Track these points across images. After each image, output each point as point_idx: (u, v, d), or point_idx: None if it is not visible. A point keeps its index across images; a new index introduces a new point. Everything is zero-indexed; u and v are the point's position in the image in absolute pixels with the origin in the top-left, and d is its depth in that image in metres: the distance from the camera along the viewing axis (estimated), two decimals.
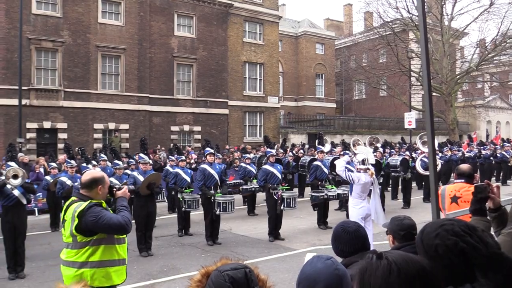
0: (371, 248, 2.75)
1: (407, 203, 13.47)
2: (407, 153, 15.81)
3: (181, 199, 10.00)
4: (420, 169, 13.35)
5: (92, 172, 3.90)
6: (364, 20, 33.74)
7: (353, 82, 39.19)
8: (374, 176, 7.89)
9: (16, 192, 7.32)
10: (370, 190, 7.88)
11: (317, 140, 15.12)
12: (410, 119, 23.88)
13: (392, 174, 14.13)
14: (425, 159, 12.88)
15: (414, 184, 15.48)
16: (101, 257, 3.40)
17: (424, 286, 1.27)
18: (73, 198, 3.58)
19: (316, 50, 39.05)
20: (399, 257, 1.29)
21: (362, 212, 7.45)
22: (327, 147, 14.69)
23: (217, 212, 9.08)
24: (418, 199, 14.29)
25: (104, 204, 3.52)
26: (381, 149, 14.45)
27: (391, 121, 34.14)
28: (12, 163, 7.95)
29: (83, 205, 3.37)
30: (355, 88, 41.07)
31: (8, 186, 7.31)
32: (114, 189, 3.71)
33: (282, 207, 9.47)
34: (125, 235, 3.60)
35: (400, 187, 14.77)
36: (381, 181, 12.66)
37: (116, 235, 3.50)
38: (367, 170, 7.67)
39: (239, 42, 27.47)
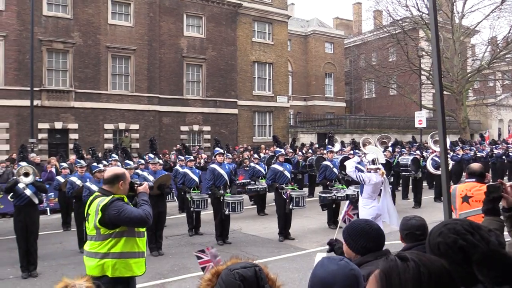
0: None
1: (418, 202, 13.37)
2: (418, 152, 15.68)
3: (189, 199, 10.03)
4: (431, 169, 13.25)
5: (114, 168, 4.16)
6: (374, 18, 33.53)
7: (362, 81, 39.01)
8: (385, 176, 7.85)
9: (28, 192, 7.39)
10: (380, 190, 7.83)
11: (327, 140, 15.08)
12: (420, 118, 23.73)
13: (403, 173, 14.03)
14: (436, 158, 12.78)
15: (425, 184, 15.37)
16: (122, 248, 3.57)
17: (452, 285, 1.26)
18: (96, 193, 3.78)
19: (326, 49, 38.92)
20: (423, 257, 1.27)
21: (372, 212, 7.43)
22: (337, 147, 14.62)
23: (226, 212, 9.10)
24: (429, 198, 14.17)
25: (126, 199, 3.70)
26: (390, 149, 14.36)
27: (401, 120, 33.90)
28: (23, 163, 8.04)
29: (106, 199, 3.55)
30: (365, 87, 40.88)
31: (20, 185, 7.38)
32: (136, 185, 3.90)
33: (291, 206, 9.46)
34: (144, 229, 3.78)
35: (410, 186, 14.67)
36: (391, 180, 12.60)
37: (137, 229, 3.68)
38: (378, 170, 7.63)
39: (248, 42, 27.48)
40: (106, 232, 3.54)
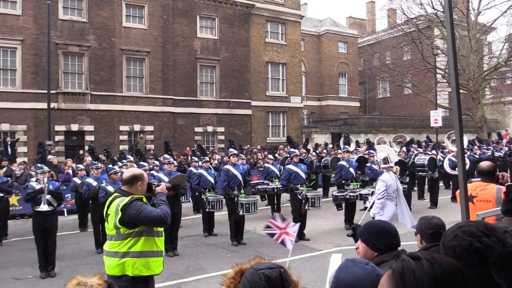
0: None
1: (434, 203, 13.21)
2: (434, 152, 15.49)
3: (204, 199, 10.07)
4: (448, 169, 13.07)
5: (133, 169, 4.26)
6: (388, 17, 33.20)
7: (377, 80, 38.69)
8: (397, 174, 7.83)
9: (47, 196, 7.53)
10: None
11: (341, 140, 14.98)
12: (436, 117, 23.43)
13: (419, 173, 13.86)
14: (453, 158, 12.60)
15: (441, 184, 15.17)
16: (142, 247, 3.63)
17: (464, 284, 1.25)
18: (115, 194, 3.82)
19: (339, 48, 38.71)
20: (436, 256, 1.27)
21: (390, 213, 7.42)
22: (352, 147, 14.52)
23: (240, 213, 9.11)
24: (445, 198, 13.99)
25: (144, 199, 3.76)
26: (404, 148, 14.22)
27: (416, 119, 33.54)
28: (43, 165, 8.15)
29: (125, 199, 3.61)
30: (379, 87, 40.52)
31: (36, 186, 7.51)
32: (154, 186, 3.95)
33: (306, 207, 9.43)
34: (162, 229, 3.85)
35: (426, 186, 14.50)
36: (407, 180, 12.47)
37: (155, 228, 3.74)
38: (391, 168, 7.60)
39: (261, 42, 27.49)
40: (126, 231, 3.59)
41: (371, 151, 12.68)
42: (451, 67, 3.51)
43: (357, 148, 17.21)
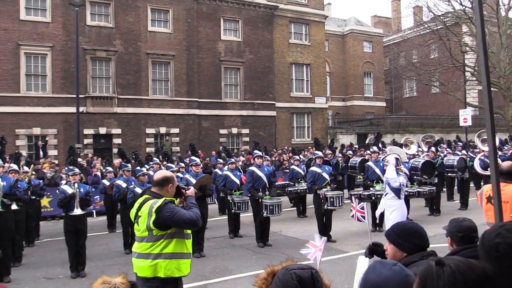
0: None
1: (464, 204, 12.86)
2: (464, 152, 15.10)
3: (230, 201, 10.11)
4: (479, 169, 12.69)
5: (164, 171, 4.27)
6: (413, 15, 32.64)
7: (403, 79, 38.04)
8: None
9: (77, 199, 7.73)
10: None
11: (367, 140, 14.76)
12: (465, 116, 22.86)
13: (448, 174, 13.53)
14: (484, 158, 12.25)
15: (471, 184, 14.78)
16: (173, 249, 3.67)
17: None
18: (145, 196, 3.84)
19: (364, 48, 38.26)
20: (461, 264, 1.25)
21: (404, 214, 7.48)
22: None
23: (264, 214, 9.10)
24: (476, 200, 13.60)
25: (176, 202, 3.80)
26: (433, 148, 13.91)
27: (444, 118, 32.81)
28: (74, 168, 8.36)
29: (159, 201, 3.63)
30: (406, 86, 39.84)
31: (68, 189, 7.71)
32: (183, 189, 3.98)
33: (325, 206, 9.38)
34: (190, 231, 3.89)
35: (456, 187, 14.14)
36: (435, 181, 12.21)
37: (185, 230, 3.78)
38: (401, 171, 7.57)
39: (285, 43, 27.45)
40: (159, 233, 3.63)
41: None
42: (482, 64, 3.41)
43: (383, 148, 16.95)
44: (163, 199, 3.67)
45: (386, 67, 40.42)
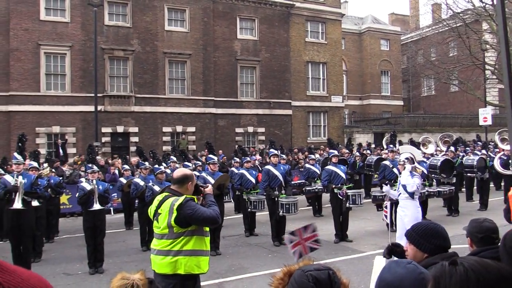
0: None
1: (484, 204, 12.64)
2: (484, 151, 14.82)
3: (246, 200, 10.13)
4: (499, 168, 12.46)
5: (183, 169, 4.31)
6: (432, 12, 32.19)
7: (421, 78, 37.50)
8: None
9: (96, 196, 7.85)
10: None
11: (384, 139, 14.61)
12: (485, 115, 22.47)
13: (468, 174, 13.30)
14: (504, 157, 12.01)
15: (491, 185, 14.51)
16: (193, 246, 3.70)
17: None
18: (165, 193, 3.86)
19: (381, 46, 37.86)
20: (475, 263, 1.24)
21: (419, 212, 7.40)
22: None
23: (280, 213, 9.09)
24: (496, 200, 13.34)
25: (196, 199, 3.82)
26: (452, 148, 13.69)
27: (463, 117, 32.24)
28: (93, 165, 8.48)
29: (180, 199, 3.67)
30: (424, 84, 39.29)
31: (87, 186, 7.82)
32: (202, 187, 4.02)
33: (347, 205, 9.31)
34: (208, 229, 3.90)
35: (475, 187, 13.90)
36: (453, 181, 12.03)
37: (204, 228, 3.80)
38: (415, 168, 7.46)
39: (301, 42, 27.34)
40: (179, 230, 3.66)
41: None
42: (504, 62, 3.35)
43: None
44: (184, 196, 3.70)
45: (404, 66, 39.92)
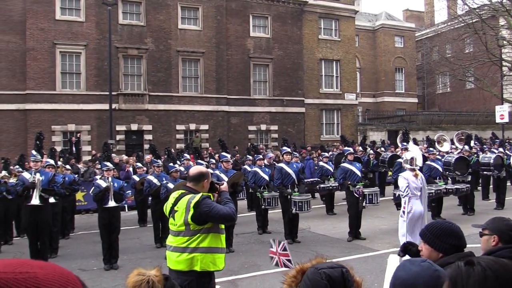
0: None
1: (500, 203, 12.42)
2: (501, 149, 14.59)
3: (260, 197, 10.14)
4: None
5: (199, 167, 4.29)
6: (447, 8, 31.73)
7: (436, 75, 37.07)
8: (422, 178, 7.57)
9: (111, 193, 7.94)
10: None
11: (398, 137, 14.48)
12: (502, 112, 22.12)
13: (484, 172, 13.11)
14: None
15: (508, 183, 14.28)
16: (209, 243, 3.72)
17: None
18: (181, 191, 3.88)
19: (395, 43, 37.51)
20: (493, 262, 1.23)
21: (418, 211, 7.25)
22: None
23: (293, 211, 9.09)
24: None
25: (212, 197, 3.82)
26: (466, 146, 13.51)
27: (480, 115, 31.78)
28: (108, 163, 8.58)
29: (197, 197, 3.68)
30: (439, 81, 38.84)
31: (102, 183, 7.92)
32: (217, 185, 4.01)
33: (364, 204, 9.25)
34: (224, 226, 3.92)
35: (491, 186, 13.70)
36: (469, 179, 11.87)
37: (220, 225, 3.82)
38: (413, 171, 7.32)
39: (314, 39, 27.22)
40: (196, 228, 3.67)
41: (431, 149, 12.17)
42: None
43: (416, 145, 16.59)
44: (201, 194, 3.71)
45: (419, 62, 39.47)
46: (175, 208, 3.76)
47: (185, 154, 14.61)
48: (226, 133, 23.73)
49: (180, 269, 3.68)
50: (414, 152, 7.72)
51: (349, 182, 9.41)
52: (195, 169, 4.02)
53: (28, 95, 20.48)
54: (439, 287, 1.56)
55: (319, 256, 1.71)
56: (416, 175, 7.33)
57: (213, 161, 12.88)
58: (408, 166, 7.42)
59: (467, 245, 2.44)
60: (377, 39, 37.21)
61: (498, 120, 22.50)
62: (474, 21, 26.04)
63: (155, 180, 9.89)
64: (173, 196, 3.86)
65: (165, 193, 8.51)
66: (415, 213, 7.24)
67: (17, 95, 20.44)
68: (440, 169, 10.89)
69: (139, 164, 13.05)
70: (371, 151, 16.04)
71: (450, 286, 1.22)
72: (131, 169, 14.57)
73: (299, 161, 11.79)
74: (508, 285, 1.18)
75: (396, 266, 1.75)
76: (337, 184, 12.01)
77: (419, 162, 7.56)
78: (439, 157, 11.80)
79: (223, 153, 10.14)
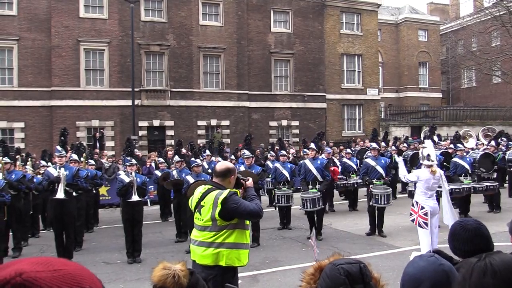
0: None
1: None
2: None
3: (274, 194, 10.19)
4: None
5: (226, 162, 4.28)
6: (473, 0, 30.94)
7: (461, 69, 36.24)
8: (442, 173, 7.35)
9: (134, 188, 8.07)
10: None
11: (422, 132, 14.21)
12: None
13: (511, 169, 12.78)
14: None
15: None
16: (235, 239, 3.73)
17: None
18: (208, 186, 3.89)
19: (419, 37, 36.77)
20: (499, 259, 1.26)
21: (430, 209, 7.07)
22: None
23: (299, 208, 9.03)
24: None
25: (239, 193, 3.83)
26: (493, 142, 13.17)
27: (507, 110, 30.96)
28: (131, 158, 8.71)
29: (224, 193, 3.69)
30: (464, 76, 37.96)
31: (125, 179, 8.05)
32: (243, 180, 3.99)
33: (370, 203, 9.20)
34: (249, 222, 3.95)
35: None
36: (494, 176, 11.59)
37: (245, 222, 3.84)
38: (430, 167, 7.13)
39: (336, 34, 26.94)
40: (223, 223, 3.69)
41: (458, 145, 11.89)
42: None
43: (439, 141, 16.28)
44: (228, 190, 3.72)
45: (443, 57, 38.64)
46: (202, 203, 3.77)
47: (207, 150, 14.69)
48: (247, 128, 23.76)
49: (205, 264, 3.70)
50: (429, 148, 7.58)
51: (366, 179, 9.31)
52: (222, 165, 4.02)
53: (53, 92, 20.94)
54: (444, 281, 1.61)
55: (336, 253, 1.71)
56: (433, 172, 7.15)
57: (233, 157, 12.91)
58: (426, 162, 7.28)
59: (495, 244, 2.38)
60: (400, 33, 36.57)
61: None
62: (501, 13, 25.35)
63: (176, 175, 9.99)
64: (200, 191, 3.87)
65: (187, 188, 8.58)
66: (430, 211, 7.11)
67: (42, 92, 20.93)
68: (466, 166, 10.65)
69: (161, 159, 13.19)
70: (393, 147, 15.82)
71: (460, 281, 1.28)
72: (153, 164, 14.73)
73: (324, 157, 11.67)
74: (504, 281, 1.21)
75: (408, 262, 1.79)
76: (354, 182, 11.95)
77: (433, 157, 7.39)
78: (465, 154, 11.54)
79: (244, 150, 10.17)
